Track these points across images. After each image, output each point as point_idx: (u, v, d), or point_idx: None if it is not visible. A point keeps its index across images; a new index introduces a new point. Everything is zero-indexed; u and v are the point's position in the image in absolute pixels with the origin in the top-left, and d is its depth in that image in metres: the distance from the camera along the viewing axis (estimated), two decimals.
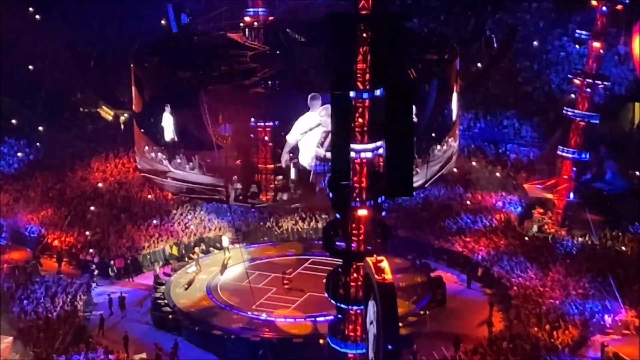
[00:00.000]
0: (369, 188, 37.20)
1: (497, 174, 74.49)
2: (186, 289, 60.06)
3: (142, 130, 58.70)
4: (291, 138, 53.54)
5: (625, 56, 72.53)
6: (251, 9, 61.96)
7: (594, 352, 50.97)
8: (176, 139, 55.29)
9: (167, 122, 54.84)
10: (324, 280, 40.41)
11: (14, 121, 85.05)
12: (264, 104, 53.02)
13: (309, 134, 53.29)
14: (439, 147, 59.37)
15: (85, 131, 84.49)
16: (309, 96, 52.54)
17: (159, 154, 56.84)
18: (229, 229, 66.67)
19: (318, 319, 53.99)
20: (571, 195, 66.99)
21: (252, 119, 52.34)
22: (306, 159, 54.03)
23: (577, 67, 65.72)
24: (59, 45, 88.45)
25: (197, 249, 64.48)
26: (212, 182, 54.63)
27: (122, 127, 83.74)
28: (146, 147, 58.38)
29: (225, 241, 64.58)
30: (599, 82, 64.51)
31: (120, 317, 58.43)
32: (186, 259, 64.30)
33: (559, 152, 66.63)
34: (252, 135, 52.85)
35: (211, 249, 65.29)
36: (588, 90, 64.72)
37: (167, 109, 54.67)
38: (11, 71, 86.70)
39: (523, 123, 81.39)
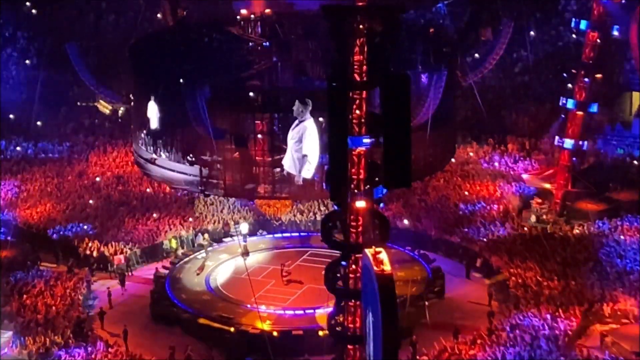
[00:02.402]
0: (367, 179, 37.21)
1: (495, 164, 74.54)
2: (198, 274, 60.65)
3: (140, 123, 58.66)
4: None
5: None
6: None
7: (593, 341, 51.07)
8: (159, 128, 55.28)
9: (152, 112, 54.90)
10: (323, 272, 40.43)
11: (11, 116, 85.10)
12: (260, 96, 52.94)
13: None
14: None
15: (83, 125, 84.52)
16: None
17: (154, 146, 56.88)
18: (228, 222, 67.05)
19: (317, 311, 54.05)
20: (569, 185, 67.16)
21: (249, 112, 52.32)
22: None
23: (574, 57, 65.68)
24: (55, 39, 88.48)
25: (206, 236, 64.96)
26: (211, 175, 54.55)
27: (120, 120, 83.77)
28: (143, 140, 58.37)
29: (244, 228, 64.95)
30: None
31: (121, 293, 59.60)
32: (196, 245, 64.86)
33: (557, 142, 66.76)
34: (249, 128, 52.82)
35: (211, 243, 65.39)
36: (586, 79, 64.80)
37: (152, 98, 54.66)
38: (8, 65, 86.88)
39: (520, 113, 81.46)
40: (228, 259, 62.50)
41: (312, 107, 51.52)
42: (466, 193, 69.79)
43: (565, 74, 66.33)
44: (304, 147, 51.48)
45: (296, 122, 51.63)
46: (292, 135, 51.40)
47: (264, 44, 57.71)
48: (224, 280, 60.00)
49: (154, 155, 55.93)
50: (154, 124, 55.32)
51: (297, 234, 66.72)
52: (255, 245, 64.79)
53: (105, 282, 61.33)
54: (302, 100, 50.92)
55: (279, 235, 66.89)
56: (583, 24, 64.10)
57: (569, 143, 65.96)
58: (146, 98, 56.66)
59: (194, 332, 54.82)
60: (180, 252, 64.32)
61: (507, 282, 57.59)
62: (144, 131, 57.74)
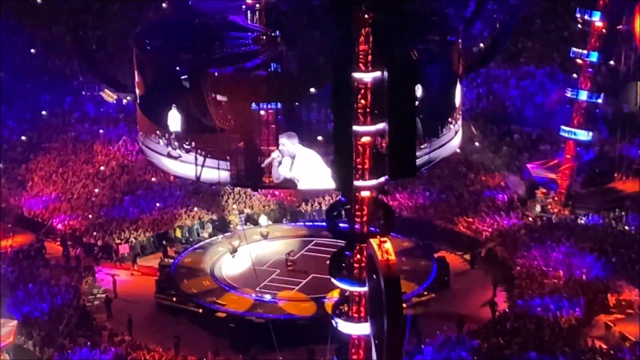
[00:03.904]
0: (372, 169, 37.18)
1: (500, 154, 74.40)
2: (233, 256, 61.49)
3: (145, 113, 58.65)
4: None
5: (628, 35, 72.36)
6: None
7: (597, 331, 51.08)
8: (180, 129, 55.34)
9: (173, 120, 54.96)
10: (328, 262, 40.44)
11: (17, 105, 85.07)
12: (266, 86, 52.94)
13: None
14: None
15: (88, 114, 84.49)
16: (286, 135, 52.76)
17: (162, 137, 56.86)
18: (233, 211, 67.18)
19: (322, 300, 54.14)
20: (574, 175, 67.08)
21: (254, 102, 52.26)
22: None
23: (580, 47, 65.47)
24: (60, 28, 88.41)
25: (235, 220, 65.69)
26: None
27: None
28: (148, 131, 58.39)
29: (264, 220, 65.23)
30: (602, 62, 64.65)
31: (132, 271, 61.15)
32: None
33: (562, 132, 66.68)
34: (254, 117, 52.80)
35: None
36: (590, 69, 64.72)
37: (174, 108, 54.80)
38: (13, 55, 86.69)
39: (525, 103, 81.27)
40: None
41: (319, 95, 51.55)
42: (471, 183, 69.71)
43: (573, 52, 65.56)
44: (293, 170, 52.07)
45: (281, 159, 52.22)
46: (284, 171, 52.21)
47: (269, 33, 57.56)
48: (229, 269, 60.14)
49: (179, 153, 55.91)
50: (175, 128, 55.36)
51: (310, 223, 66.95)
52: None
53: (109, 271, 61.44)
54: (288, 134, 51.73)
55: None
56: (596, 15, 63.79)
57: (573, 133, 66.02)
58: (151, 88, 56.71)
59: (198, 321, 55.06)
60: (206, 234, 65.61)
61: (512, 272, 57.60)
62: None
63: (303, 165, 51.91)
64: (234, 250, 61.94)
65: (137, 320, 54.69)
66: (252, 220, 67.24)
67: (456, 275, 59.56)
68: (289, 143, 51.66)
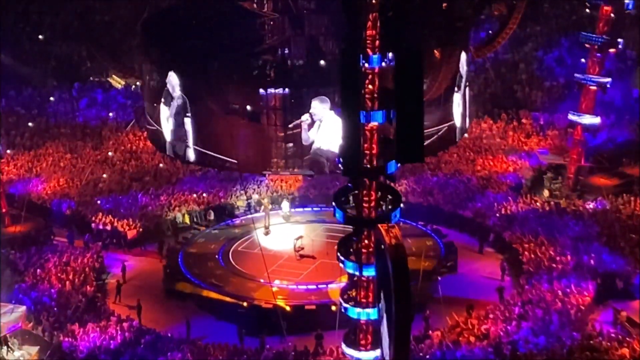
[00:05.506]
0: (380, 154, 37.20)
1: (509, 139, 74.31)
2: (267, 234, 62.00)
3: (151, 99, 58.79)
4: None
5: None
6: None
7: (606, 316, 51.08)
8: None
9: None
10: (336, 247, 40.50)
11: (24, 92, 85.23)
12: (273, 71, 52.95)
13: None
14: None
15: (96, 100, 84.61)
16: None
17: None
18: (241, 197, 67.19)
19: (330, 285, 54.15)
20: (582, 159, 67.04)
21: (262, 87, 52.26)
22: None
23: (588, 31, 65.35)
24: (68, 14, 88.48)
25: (265, 201, 66.04)
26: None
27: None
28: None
29: (286, 206, 65.39)
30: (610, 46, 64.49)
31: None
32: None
33: (570, 117, 66.60)
34: (261, 103, 52.84)
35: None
36: (599, 54, 64.57)
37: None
38: (21, 40, 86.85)
39: (533, 87, 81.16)
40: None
41: (325, 82, 51.50)
42: (479, 168, 69.65)
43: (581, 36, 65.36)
44: (318, 138, 51.78)
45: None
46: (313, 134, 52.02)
47: (277, 18, 57.59)
48: (238, 253, 60.26)
49: None
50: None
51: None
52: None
53: (118, 256, 61.53)
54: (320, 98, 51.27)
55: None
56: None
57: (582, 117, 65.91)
58: (158, 73, 56.71)
59: (206, 306, 55.17)
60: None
61: (520, 257, 57.57)
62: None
63: (329, 129, 51.71)
64: (267, 228, 62.58)
65: (146, 305, 54.67)
66: (259, 205, 67.15)
67: (464, 261, 59.48)
68: (319, 107, 51.38)
